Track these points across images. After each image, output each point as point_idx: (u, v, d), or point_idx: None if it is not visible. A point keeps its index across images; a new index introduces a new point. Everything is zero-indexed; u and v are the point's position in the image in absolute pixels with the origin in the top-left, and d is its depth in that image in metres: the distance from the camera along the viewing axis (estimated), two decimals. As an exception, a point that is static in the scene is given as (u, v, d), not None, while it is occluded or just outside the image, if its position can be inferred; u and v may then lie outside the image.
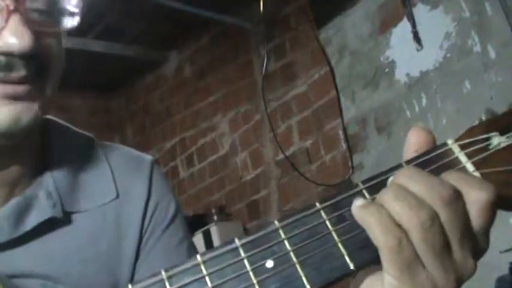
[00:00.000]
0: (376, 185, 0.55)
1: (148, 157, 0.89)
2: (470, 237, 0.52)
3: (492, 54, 2.74)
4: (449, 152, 0.58)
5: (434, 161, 0.57)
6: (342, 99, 3.23)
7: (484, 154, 0.57)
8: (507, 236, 2.50)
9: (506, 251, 2.35)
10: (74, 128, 0.86)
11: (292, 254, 0.52)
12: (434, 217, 0.50)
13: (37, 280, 0.71)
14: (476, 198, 0.52)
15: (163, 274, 0.52)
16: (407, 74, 3.03)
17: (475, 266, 0.52)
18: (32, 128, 0.70)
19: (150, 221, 0.82)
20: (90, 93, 4.34)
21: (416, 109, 2.98)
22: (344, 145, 3.23)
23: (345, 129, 3.21)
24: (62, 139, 0.82)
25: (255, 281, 0.51)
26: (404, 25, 3.03)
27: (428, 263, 0.50)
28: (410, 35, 3.00)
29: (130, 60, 4.03)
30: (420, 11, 2.99)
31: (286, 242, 0.53)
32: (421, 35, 2.97)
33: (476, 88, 2.76)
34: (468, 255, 0.52)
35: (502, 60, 2.69)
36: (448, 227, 0.51)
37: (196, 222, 3.47)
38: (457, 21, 2.88)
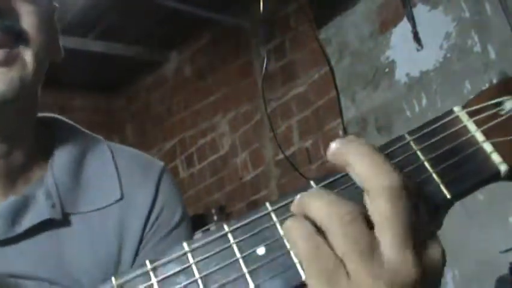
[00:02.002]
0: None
1: (159, 162, 0.87)
2: (407, 234, 0.44)
3: (492, 54, 2.74)
4: (457, 120, 0.52)
5: (439, 132, 0.51)
6: (342, 99, 3.23)
7: (496, 121, 0.51)
8: (507, 236, 2.50)
9: (506, 251, 2.35)
10: (82, 129, 0.84)
11: (285, 240, 0.48)
12: (357, 211, 0.45)
13: (33, 281, 0.70)
14: (375, 187, 0.46)
15: (148, 265, 0.49)
16: (407, 74, 3.03)
17: (417, 268, 0.44)
18: (8, 98, 0.67)
19: (151, 227, 0.80)
20: (90, 93, 4.34)
21: (416, 109, 2.98)
22: (344, 145, 3.23)
23: (345, 129, 3.21)
24: (67, 138, 0.80)
25: (245, 271, 0.48)
26: (404, 25, 3.03)
27: (351, 268, 0.44)
28: (410, 35, 2.99)
29: (130, 60, 4.03)
30: (420, 11, 2.99)
31: (278, 226, 0.49)
32: (421, 35, 2.97)
33: (476, 88, 2.76)
34: (404, 257, 0.44)
35: (502, 60, 2.69)
36: (376, 222, 0.45)
37: (196, 222, 3.47)
38: (457, 21, 2.88)
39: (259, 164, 3.67)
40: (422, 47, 2.98)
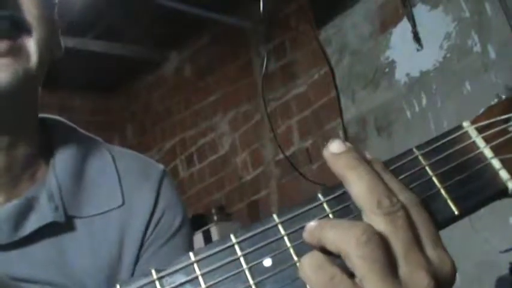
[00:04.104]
0: (392, 161, 0.51)
1: (159, 166, 0.86)
2: (417, 250, 0.45)
3: (492, 54, 2.74)
4: (465, 136, 0.52)
5: (448, 147, 0.51)
6: (342, 99, 3.23)
7: (504, 137, 0.51)
8: (507, 236, 2.50)
9: (506, 250, 2.35)
10: (82, 131, 0.84)
11: (292, 251, 0.48)
12: (371, 231, 0.45)
13: (36, 285, 0.69)
14: (362, 203, 0.47)
15: (154, 274, 0.48)
16: (407, 74, 3.03)
17: (429, 281, 0.45)
18: (13, 90, 0.67)
19: (152, 232, 0.79)
20: (90, 93, 4.34)
21: (416, 109, 2.98)
22: (344, 145, 3.23)
23: (345, 129, 3.21)
24: (69, 140, 0.80)
25: (252, 282, 0.47)
26: (404, 25, 3.03)
27: None
28: (410, 35, 3.00)
29: (130, 60, 4.03)
30: (420, 11, 2.99)
31: (286, 239, 0.49)
32: (421, 35, 2.97)
33: (476, 88, 2.76)
34: (416, 271, 0.45)
35: (502, 60, 2.69)
36: (389, 241, 0.45)
37: (196, 222, 3.47)
38: (457, 21, 2.88)
39: (259, 164, 3.67)
40: (422, 47, 2.98)
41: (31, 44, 0.70)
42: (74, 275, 0.72)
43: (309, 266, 0.45)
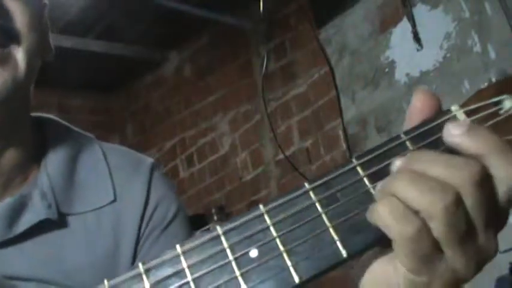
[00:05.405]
0: (372, 160, 0.50)
1: (148, 159, 0.87)
2: (495, 217, 0.47)
3: (492, 54, 2.74)
4: (454, 120, 0.51)
5: (435, 132, 0.50)
6: (342, 99, 3.23)
7: (494, 120, 0.49)
8: (507, 236, 2.50)
9: (506, 251, 2.35)
10: (74, 128, 0.84)
11: (278, 241, 0.47)
12: (460, 200, 0.44)
13: (31, 283, 0.70)
14: (506, 175, 0.46)
15: (141, 267, 0.48)
16: (407, 74, 3.03)
17: (497, 246, 0.48)
18: (1, 99, 0.67)
19: (147, 225, 0.80)
20: (90, 93, 4.34)
21: (416, 109, 2.98)
22: (344, 145, 3.23)
23: (345, 129, 3.21)
24: (60, 138, 0.80)
25: (238, 273, 0.47)
26: (404, 25, 3.03)
27: (450, 252, 0.45)
28: (410, 35, 2.99)
29: (130, 60, 4.03)
30: (420, 11, 2.99)
31: (271, 228, 0.48)
32: (421, 35, 2.97)
33: (476, 88, 2.76)
34: (492, 238, 0.48)
35: (502, 60, 2.69)
36: (474, 210, 0.45)
37: (196, 222, 3.47)
38: (457, 21, 2.88)
39: (259, 164, 3.67)
40: (422, 47, 2.98)
41: (19, 53, 0.70)
42: (69, 271, 0.72)
43: (397, 212, 0.45)
